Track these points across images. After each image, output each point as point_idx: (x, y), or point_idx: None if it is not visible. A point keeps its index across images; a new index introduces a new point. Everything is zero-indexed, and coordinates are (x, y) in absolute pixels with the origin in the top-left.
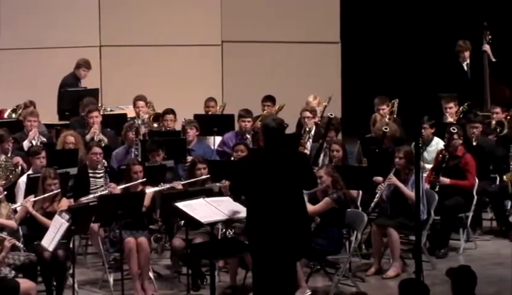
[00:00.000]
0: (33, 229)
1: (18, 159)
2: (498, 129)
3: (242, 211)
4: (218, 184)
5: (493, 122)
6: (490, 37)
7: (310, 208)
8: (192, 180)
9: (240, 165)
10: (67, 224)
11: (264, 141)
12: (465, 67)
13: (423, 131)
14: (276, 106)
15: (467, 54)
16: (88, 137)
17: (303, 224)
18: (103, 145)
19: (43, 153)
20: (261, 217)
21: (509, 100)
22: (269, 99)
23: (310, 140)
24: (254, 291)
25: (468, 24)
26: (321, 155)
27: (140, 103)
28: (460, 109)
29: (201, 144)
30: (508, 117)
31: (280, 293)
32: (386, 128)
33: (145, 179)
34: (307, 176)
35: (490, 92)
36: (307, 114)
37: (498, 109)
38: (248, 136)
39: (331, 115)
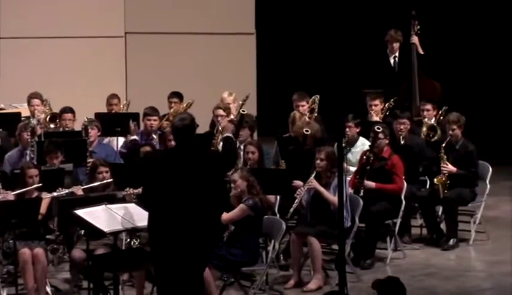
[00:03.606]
0: None
1: None
2: (430, 135)
3: None
4: (122, 193)
5: (424, 129)
6: (418, 27)
7: (223, 215)
8: (93, 185)
9: (141, 163)
10: None
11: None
12: (392, 61)
13: (347, 130)
14: (185, 102)
15: (396, 45)
16: None
17: (209, 232)
18: None
19: None
20: (162, 223)
21: (439, 95)
22: (176, 95)
23: None
24: None
25: (398, 13)
26: None
27: (35, 101)
28: (386, 105)
29: (102, 146)
30: (441, 117)
31: None
32: (307, 130)
33: (41, 184)
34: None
35: (419, 88)
36: (220, 111)
37: (428, 106)
38: (154, 136)
39: (243, 111)
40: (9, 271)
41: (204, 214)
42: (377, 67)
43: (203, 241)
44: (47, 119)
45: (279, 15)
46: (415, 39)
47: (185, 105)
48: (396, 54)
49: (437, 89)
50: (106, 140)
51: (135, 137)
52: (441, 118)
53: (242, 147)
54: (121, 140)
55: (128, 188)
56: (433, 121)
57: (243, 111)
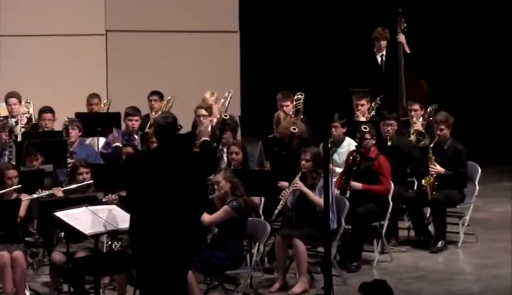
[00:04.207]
0: None
1: None
2: (419, 139)
3: None
4: (103, 199)
5: (413, 136)
6: (405, 25)
7: (207, 217)
8: (74, 186)
9: (123, 165)
10: None
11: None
12: (379, 59)
13: (333, 130)
14: (165, 100)
15: (384, 43)
16: None
17: (191, 235)
18: None
19: None
20: (145, 225)
21: (427, 95)
22: (156, 93)
23: None
24: None
25: (384, 11)
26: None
27: (12, 100)
28: (372, 104)
29: (83, 146)
30: (430, 118)
31: None
32: (295, 128)
33: (20, 186)
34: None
35: (406, 87)
36: (202, 111)
37: (416, 106)
38: (136, 136)
39: (226, 116)
40: None
41: (186, 216)
42: (363, 65)
43: (185, 243)
44: (28, 128)
45: (263, 12)
46: (401, 38)
47: (166, 102)
48: (384, 52)
49: (424, 88)
50: (88, 141)
51: (118, 144)
52: (430, 118)
53: (225, 149)
54: (102, 140)
55: (109, 194)
56: (420, 121)
57: (225, 116)
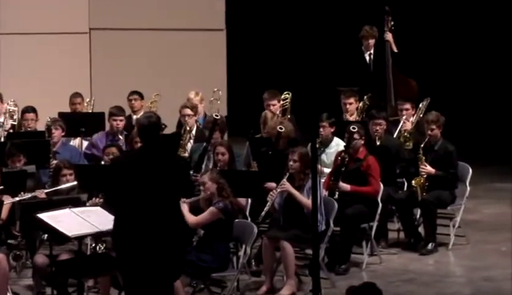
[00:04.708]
0: None
1: None
2: (405, 140)
3: None
4: (88, 203)
5: (402, 139)
6: (392, 23)
7: (192, 219)
8: (57, 188)
9: (109, 169)
10: None
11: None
12: (368, 58)
13: (321, 130)
14: (149, 99)
15: (372, 42)
16: None
17: (177, 238)
18: None
19: None
20: (128, 228)
21: (416, 94)
22: (135, 93)
23: (191, 141)
24: None
25: (371, 9)
26: (205, 160)
27: None
28: (361, 104)
29: (66, 147)
30: (421, 115)
31: None
32: (281, 128)
33: (2, 187)
34: (181, 183)
35: (395, 87)
36: (188, 111)
37: (407, 105)
38: (121, 137)
39: (217, 116)
40: None
41: (173, 218)
42: (352, 64)
43: (172, 246)
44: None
45: (250, 10)
46: (389, 36)
47: (151, 101)
48: (372, 51)
49: (413, 88)
50: (74, 142)
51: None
52: (421, 115)
53: (213, 148)
54: (86, 141)
55: (93, 198)
56: (412, 120)
57: (216, 115)
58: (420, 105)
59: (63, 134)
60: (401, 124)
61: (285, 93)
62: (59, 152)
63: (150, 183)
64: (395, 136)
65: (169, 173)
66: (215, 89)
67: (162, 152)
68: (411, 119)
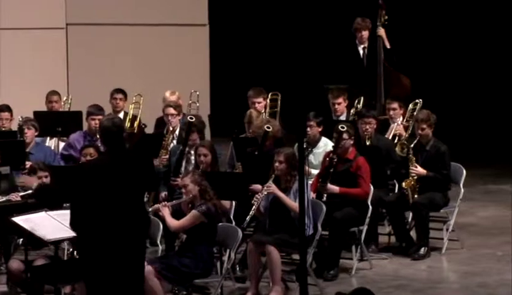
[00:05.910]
0: None
1: None
2: (403, 149)
3: None
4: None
5: (398, 148)
6: (386, 18)
7: (174, 223)
8: (32, 191)
9: (79, 175)
10: None
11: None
12: (361, 52)
13: (308, 130)
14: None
15: (365, 34)
16: None
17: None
18: None
19: None
20: (100, 233)
21: (409, 92)
22: (121, 91)
23: (175, 141)
24: None
25: (363, 2)
26: (183, 163)
27: None
28: (352, 111)
29: (40, 147)
30: (413, 113)
31: None
32: (269, 127)
33: None
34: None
35: (386, 84)
36: (171, 110)
37: (395, 105)
38: (99, 137)
39: (191, 118)
40: None
41: (141, 219)
42: (343, 59)
43: (140, 245)
44: None
45: (234, 4)
46: (381, 32)
47: (133, 101)
48: (366, 44)
49: (405, 85)
50: (50, 142)
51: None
52: (414, 113)
53: (192, 151)
54: (62, 141)
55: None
56: (400, 120)
57: (191, 118)
58: (410, 106)
59: (36, 134)
60: (394, 128)
61: (272, 93)
62: (32, 153)
63: (122, 188)
64: (396, 149)
65: (136, 173)
66: (193, 90)
67: (127, 155)
68: (400, 121)
